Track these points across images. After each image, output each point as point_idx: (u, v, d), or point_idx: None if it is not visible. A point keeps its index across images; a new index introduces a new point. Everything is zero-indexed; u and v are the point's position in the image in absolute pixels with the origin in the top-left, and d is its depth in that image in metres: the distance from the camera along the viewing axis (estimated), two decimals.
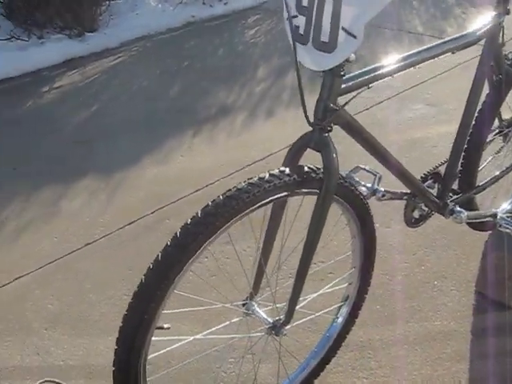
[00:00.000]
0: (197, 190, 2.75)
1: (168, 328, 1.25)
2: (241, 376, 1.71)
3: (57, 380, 1.72)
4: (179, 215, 2.51)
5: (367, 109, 3.33)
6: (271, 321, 1.42)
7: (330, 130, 1.27)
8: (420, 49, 1.42)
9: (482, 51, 1.64)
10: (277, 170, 1.24)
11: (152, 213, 2.62)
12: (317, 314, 1.60)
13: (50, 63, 4.51)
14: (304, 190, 1.27)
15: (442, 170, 1.80)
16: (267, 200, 1.22)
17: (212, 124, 3.39)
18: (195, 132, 3.31)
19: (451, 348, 1.78)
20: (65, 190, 2.87)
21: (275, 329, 1.41)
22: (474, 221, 1.88)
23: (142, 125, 3.44)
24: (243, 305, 1.46)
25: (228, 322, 1.48)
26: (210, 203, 1.19)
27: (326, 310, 1.64)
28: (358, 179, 1.59)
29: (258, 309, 1.45)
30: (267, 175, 1.22)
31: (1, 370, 1.85)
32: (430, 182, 1.80)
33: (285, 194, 1.25)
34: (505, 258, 1.85)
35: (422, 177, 1.76)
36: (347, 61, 1.18)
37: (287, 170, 1.25)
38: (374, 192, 1.61)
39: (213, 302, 1.48)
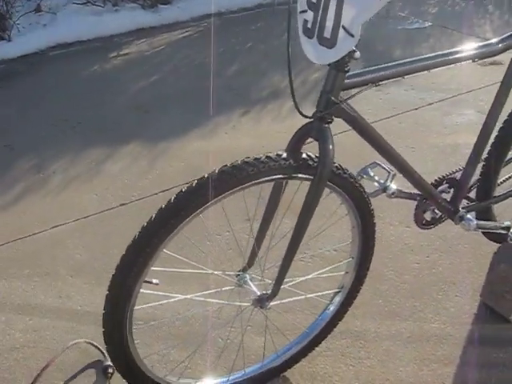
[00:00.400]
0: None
1: (156, 284, 1.36)
2: (227, 343, 1.81)
3: (94, 343, 1.84)
4: None
5: (416, 109, 3.32)
6: (258, 293, 1.51)
7: (330, 122, 1.33)
8: (437, 53, 1.44)
9: (510, 62, 1.63)
10: (274, 154, 1.31)
11: (186, 183, 2.74)
12: (308, 296, 1.68)
13: (121, 31, 4.73)
14: (298, 175, 1.34)
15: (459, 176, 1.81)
16: (260, 180, 1.30)
17: (262, 106, 3.47)
18: (244, 112, 3.41)
19: (442, 351, 1.81)
20: (112, 152, 3.05)
21: (261, 301, 1.50)
22: (485, 231, 1.88)
23: (195, 99, 3.57)
24: (236, 275, 1.55)
25: (219, 289, 1.58)
26: (205, 175, 1.28)
27: (319, 294, 1.70)
28: (372, 174, 1.65)
29: (249, 281, 1.53)
30: (263, 157, 1.29)
31: (23, 306, 2.04)
32: (444, 186, 1.82)
33: (278, 176, 1.32)
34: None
35: (436, 180, 1.78)
36: (353, 58, 1.24)
37: (284, 154, 1.32)
38: (384, 189, 1.66)
39: (208, 268, 1.59)
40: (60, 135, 3.22)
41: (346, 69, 1.26)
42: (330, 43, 1.17)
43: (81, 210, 2.56)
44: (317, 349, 1.78)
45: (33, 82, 4.02)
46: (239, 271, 1.56)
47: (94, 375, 1.76)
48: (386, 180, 1.63)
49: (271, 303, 1.51)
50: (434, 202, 1.74)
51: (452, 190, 1.81)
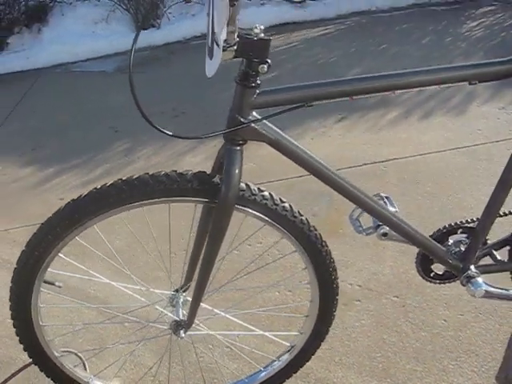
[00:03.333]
0: (304, 176, 2.68)
1: (59, 286, 1.32)
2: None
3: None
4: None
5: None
6: (177, 319, 1.38)
7: (241, 144, 1.14)
8: (406, 70, 1.15)
9: None
10: (174, 173, 1.18)
11: (260, 183, 2.67)
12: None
13: (264, 25, 4.73)
14: (199, 199, 1.19)
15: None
16: (149, 200, 1.17)
17: (362, 113, 3.21)
18: (341, 118, 3.18)
19: None
20: (198, 145, 3.07)
21: (177, 328, 1.37)
22: (497, 300, 1.50)
23: None
24: (172, 294, 1.44)
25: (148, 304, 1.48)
26: (97, 187, 1.19)
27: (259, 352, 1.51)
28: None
29: (179, 303, 1.41)
30: (161, 174, 1.17)
31: None
32: (460, 235, 1.48)
33: (178, 198, 1.18)
34: None
35: (447, 226, 1.46)
36: (258, 72, 1.05)
37: (189, 175, 1.18)
38: (375, 227, 1.42)
39: (141, 283, 1.50)
40: (161, 123, 3.33)
41: (253, 84, 1.07)
42: (210, 54, 1.00)
43: None
44: None
45: (166, 69, 4.25)
46: (175, 290, 1.45)
47: None
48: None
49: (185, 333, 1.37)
50: (431, 252, 1.43)
51: (467, 242, 1.47)
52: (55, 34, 4.83)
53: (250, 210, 1.20)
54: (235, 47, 0.96)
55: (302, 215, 1.28)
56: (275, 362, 1.52)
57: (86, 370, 1.63)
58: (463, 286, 1.46)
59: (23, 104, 3.98)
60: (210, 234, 1.20)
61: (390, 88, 1.13)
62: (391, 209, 1.41)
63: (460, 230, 1.47)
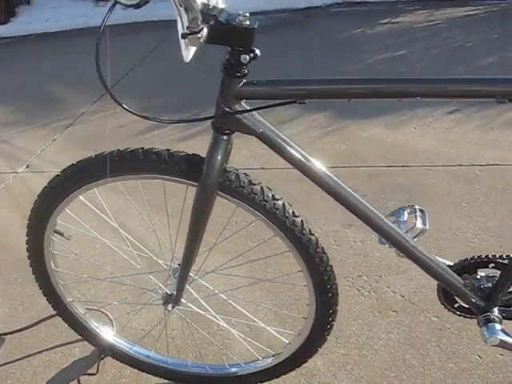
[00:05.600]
0: (393, 166, 2.54)
1: (68, 238, 1.39)
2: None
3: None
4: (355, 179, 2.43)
5: None
6: (169, 292, 1.40)
7: (227, 133, 1.10)
8: (410, 77, 1.00)
9: None
10: (166, 152, 1.17)
11: (332, 167, 2.58)
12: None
13: None
14: (181, 180, 1.17)
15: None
16: (141, 175, 1.18)
17: (478, 108, 2.91)
18: (453, 111, 2.92)
19: None
20: (295, 118, 3.02)
21: (167, 301, 1.39)
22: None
23: None
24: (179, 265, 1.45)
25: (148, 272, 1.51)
26: (92, 156, 1.22)
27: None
28: (404, 217, 1.31)
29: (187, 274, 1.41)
30: (153, 151, 1.17)
31: None
32: (490, 270, 1.31)
33: (164, 176, 1.18)
34: None
35: (477, 257, 1.29)
36: (239, 61, 0.99)
37: (178, 156, 1.16)
38: None
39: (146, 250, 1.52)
40: None
41: (238, 74, 1.01)
42: (184, 37, 0.95)
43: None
44: None
45: (295, 34, 4.19)
46: (178, 265, 1.46)
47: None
48: (406, 229, 1.27)
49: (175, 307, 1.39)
50: (446, 284, 1.29)
51: (493, 279, 1.30)
52: None
53: (236, 200, 1.16)
54: (202, 34, 0.91)
55: (296, 216, 1.20)
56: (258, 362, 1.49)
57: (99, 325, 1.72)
58: (479, 327, 1.29)
59: (156, 52, 4.20)
60: (192, 214, 1.19)
61: (394, 94, 1.00)
62: (419, 225, 1.28)
63: (491, 265, 1.30)
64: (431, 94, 1.00)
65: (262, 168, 2.64)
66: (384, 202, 2.27)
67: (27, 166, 3.02)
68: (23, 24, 5.99)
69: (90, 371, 1.67)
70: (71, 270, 1.55)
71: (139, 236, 1.54)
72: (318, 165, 1.11)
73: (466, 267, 1.29)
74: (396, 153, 2.60)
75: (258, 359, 1.53)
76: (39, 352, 1.80)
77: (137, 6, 0.79)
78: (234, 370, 1.56)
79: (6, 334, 1.90)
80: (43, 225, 1.35)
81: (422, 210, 1.32)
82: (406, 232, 1.28)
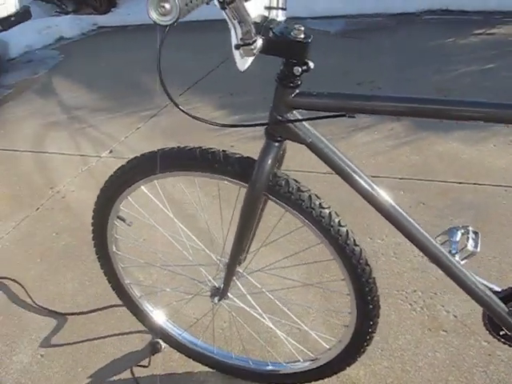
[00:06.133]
0: (464, 183, 2.48)
1: (129, 224, 1.49)
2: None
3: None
4: (423, 192, 2.41)
5: None
6: (216, 285, 1.47)
7: (278, 140, 1.14)
8: (449, 99, 1.00)
9: None
10: (222, 153, 1.23)
11: (401, 178, 2.57)
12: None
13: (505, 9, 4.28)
14: (233, 180, 1.23)
15: None
16: (197, 173, 1.25)
17: None
18: None
19: None
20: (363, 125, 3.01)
21: (214, 293, 1.46)
22: None
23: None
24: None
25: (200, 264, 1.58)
26: (155, 150, 1.30)
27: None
28: (456, 237, 1.31)
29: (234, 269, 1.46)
30: (218, 153, 1.23)
31: None
32: None
33: (217, 175, 1.24)
34: None
35: None
36: (305, 70, 1.03)
37: (233, 158, 1.22)
38: None
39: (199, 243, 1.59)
40: None
41: (291, 84, 1.05)
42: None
43: None
44: None
45: (386, 39, 4.15)
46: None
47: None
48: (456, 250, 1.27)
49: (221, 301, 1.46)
50: (489, 310, 1.27)
51: None
52: None
53: (283, 204, 1.21)
54: (255, 45, 0.95)
55: (342, 226, 1.23)
56: (298, 363, 1.52)
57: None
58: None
59: None
60: (241, 214, 1.24)
61: (435, 115, 1.00)
62: (469, 247, 1.27)
63: None
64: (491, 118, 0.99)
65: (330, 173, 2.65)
66: (450, 219, 2.23)
67: (110, 152, 3.20)
68: (122, 15, 6.31)
69: (142, 363, 1.76)
70: (130, 255, 1.64)
71: (195, 229, 1.61)
72: (364, 177, 1.13)
73: None
74: (469, 170, 2.53)
75: (299, 361, 1.57)
76: (98, 338, 1.91)
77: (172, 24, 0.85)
78: (275, 368, 1.60)
79: (70, 314, 2.04)
80: (107, 210, 1.46)
81: (475, 232, 1.30)
82: (456, 253, 1.27)
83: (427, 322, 1.80)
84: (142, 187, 1.39)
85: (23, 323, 2.03)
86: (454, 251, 1.27)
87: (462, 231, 1.30)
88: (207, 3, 0.89)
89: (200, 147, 1.26)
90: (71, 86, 4.37)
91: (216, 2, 0.86)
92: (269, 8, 1.03)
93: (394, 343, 1.75)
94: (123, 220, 1.49)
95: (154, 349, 1.76)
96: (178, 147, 1.27)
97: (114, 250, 1.56)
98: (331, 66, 3.71)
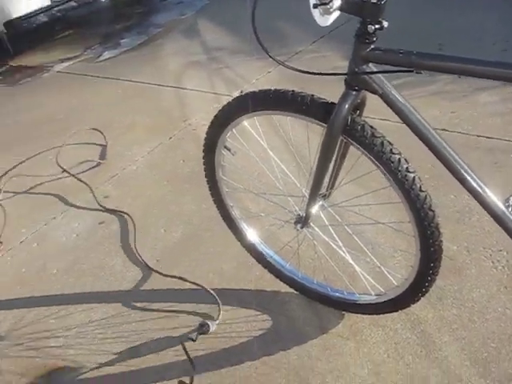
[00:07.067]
0: None
1: (233, 153, 1.72)
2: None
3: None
4: None
5: None
6: (301, 213, 1.67)
7: (356, 89, 1.29)
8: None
9: None
10: (310, 96, 1.41)
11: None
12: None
13: None
14: (314, 120, 1.40)
15: None
16: (286, 112, 1.45)
17: None
18: None
19: None
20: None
21: (297, 219, 1.68)
22: None
23: None
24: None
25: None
26: (256, 91, 1.51)
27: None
28: None
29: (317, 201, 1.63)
30: (303, 96, 1.41)
31: None
32: None
33: (303, 116, 1.43)
34: None
35: None
36: (378, 28, 1.17)
37: (319, 102, 1.40)
38: None
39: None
40: (483, 54, 3.22)
41: (367, 40, 1.20)
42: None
43: None
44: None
45: None
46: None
47: None
48: None
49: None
50: None
51: None
52: None
53: (358, 147, 1.36)
54: (331, 4, 1.10)
55: (409, 171, 1.35)
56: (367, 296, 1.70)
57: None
58: None
59: None
60: (320, 151, 1.42)
61: (497, 77, 1.09)
62: None
63: None
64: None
65: (445, 130, 2.69)
66: None
67: (241, 92, 3.46)
68: None
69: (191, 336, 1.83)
70: (234, 181, 1.89)
71: (287, 164, 1.82)
72: (430, 129, 1.25)
73: None
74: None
75: (371, 294, 1.74)
76: (164, 310, 2.02)
77: None
78: (355, 297, 1.78)
79: (165, 275, 2.14)
80: (216, 140, 1.71)
81: None
82: None
83: (505, 280, 1.87)
84: (245, 122, 1.61)
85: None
86: None
87: None
88: None
89: (293, 91, 1.45)
90: (214, 28, 4.67)
91: None
92: None
93: (467, 294, 1.84)
94: (229, 149, 1.73)
95: (201, 329, 1.84)
96: (275, 89, 1.47)
97: (221, 175, 1.81)
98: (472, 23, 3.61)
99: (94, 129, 3.26)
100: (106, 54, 4.65)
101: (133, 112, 3.52)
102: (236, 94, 3.43)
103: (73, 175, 2.90)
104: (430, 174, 2.25)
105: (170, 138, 3.13)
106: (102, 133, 3.22)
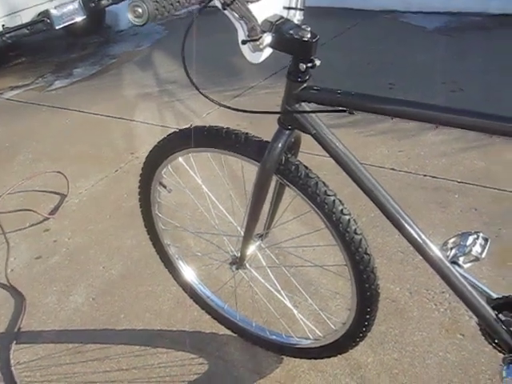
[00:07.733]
0: None
1: (169, 191, 1.66)
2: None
3: None
4: (478, 198, 2.39)
5: None
6: (236, 254, 1.61)
7: (289, 129, 1.25)
8: (453, 107, 1.05)
9: None
10: (244, 135, 1.36)
11: (459, 182, 2.57)
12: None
13: None
14: (249, 160, 1.36)
15: None
16: (219, 150, 1.40)
17: None
18: None
19: None
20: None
21: (233, 259, 1.62)
22: None
23: None
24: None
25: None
26: (189, 127, 1.46)
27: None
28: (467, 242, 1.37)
29: (252, 241, 1.59)
30: (240, 134, 1.36)
31: None
32: None
33: (237, 154, 1.38)
34: None
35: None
36: (310, 67, 1.14)
37: (252, 140, 1.35)
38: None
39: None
40: (432, 93, 3.27)
41: (299, 79, 1.16)
42: None
43: None
44: None
45: (480, 41, 4.05)
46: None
47: None
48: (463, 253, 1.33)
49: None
50: (478, 317, 1.31)
51: None
52: None
53: (291, 186, 1.32)
54: (261, 41, 1.07)
55: (344, 214, 1.32)
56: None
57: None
58: (502, 364, 1.30)
59: (339, 38, 4.39)
60: (253, 191, 1.37)
61: (431, 120, 1.07)
62: (474, 252, 1.32)
63: None
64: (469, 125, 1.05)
65: (393, 169, 2.69)
66: (498, 228, 2.21)
67: (190, 125, 3.41)
68: None
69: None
70: (170, 218, 1.82)
71: (223, 202, 1.76)
72: (362, 170, 1.22)
73: (508, 303, 1.30)
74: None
75: (309, 338, 1.68)
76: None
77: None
78: (293, 341, 1.71)
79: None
80: (151, 176, 1.64)
81: (486, 239, 1.34)
82: (460, 256, 1.32)
83: (447, 323, 1.84)
84: (180, 158, 1.55)
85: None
86: (459, 254, 1.32)
87: (475, 236, 1.35)
88: (175, 10, 1.02)
89: (227, 128, 1.40)
90: (169, 61, 4.65)
91: (217, 3, 0.99)
92: (287, 8, 1.14)
93: (408, 338, 1.80)
94: (164, 186, 1.66)
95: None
96: (210, 126, 1.42)
97: (156, 212, 1.74)
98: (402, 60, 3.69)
99: (58, 172, 3.06)
100: (58, 84, 4.56)
101: (80, 143, 3.43)
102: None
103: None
104: (375, 212, 2.22)
105: (116, 170, 3.04)
106: (66, 177, 3.00)
